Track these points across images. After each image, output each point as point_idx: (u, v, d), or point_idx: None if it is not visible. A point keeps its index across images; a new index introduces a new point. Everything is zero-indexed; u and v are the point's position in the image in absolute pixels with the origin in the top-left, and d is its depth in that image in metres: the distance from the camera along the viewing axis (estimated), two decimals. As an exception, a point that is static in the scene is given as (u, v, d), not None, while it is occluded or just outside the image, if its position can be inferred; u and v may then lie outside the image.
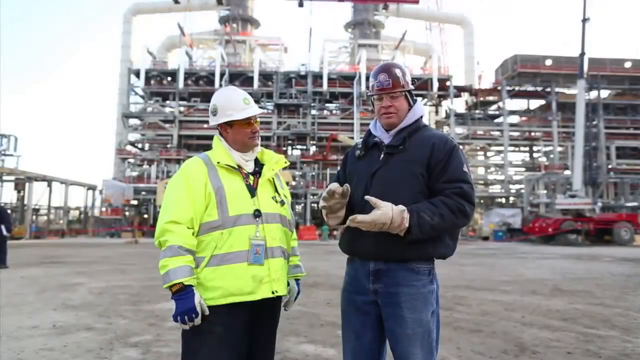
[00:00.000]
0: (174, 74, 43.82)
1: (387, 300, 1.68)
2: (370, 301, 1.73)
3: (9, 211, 14.87)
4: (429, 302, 1.69)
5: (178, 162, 39.86)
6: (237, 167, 1.84)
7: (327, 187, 1.81)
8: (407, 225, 1.58)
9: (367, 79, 39.72)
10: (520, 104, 54.66)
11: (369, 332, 1.74)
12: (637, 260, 13.67)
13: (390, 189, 1.70)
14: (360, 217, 1.60)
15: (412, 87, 1.85)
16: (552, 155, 44.47)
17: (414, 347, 1.63)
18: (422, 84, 43.53)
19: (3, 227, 10.30)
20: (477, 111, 46.34)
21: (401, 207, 1.59)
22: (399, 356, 1.66)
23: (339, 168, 2.06)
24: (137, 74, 43.60)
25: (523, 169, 47.91)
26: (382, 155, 1.78)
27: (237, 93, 1.92)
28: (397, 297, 1.66)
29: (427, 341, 1.65)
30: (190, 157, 2.01)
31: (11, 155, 32.86)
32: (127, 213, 37.45)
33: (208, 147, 1.94)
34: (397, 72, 1.80)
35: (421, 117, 1.86)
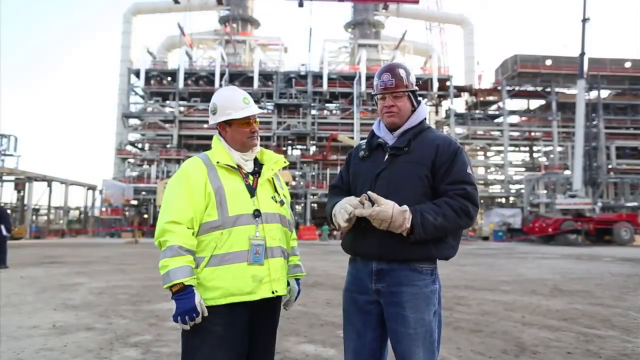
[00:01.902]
0: (174, 74, 43.83)
1: (389, 299, 1.69)
2: (372, 301, 1.74)
3: (8, 211, 14.86)
4: (431, 302, 1.69)
5: (178, 162, 39.87)
6: (236, 166, 1.84)
7: (329, 187, 1.81)
8: (408, 225, 1.59)
9: (368, 79, 40.10)
10: (520, 104, 54.68)
11: (370, 331, 1.74)
12: (637, 260, 13.66)
13: (395, 191, 1.70)
14: (358, 211, 1.62)
15: (415, 87, 1.85)
16: (552, 155, 44.49)
17: (416, 346, 1.64)
18: (422, 84, 43.53)
19: (3, 227, 10.28)
20: (477, 111, 46.36)
21: (404, 206, 1.60)
22: (401, 356, 1.66)
23: (340, 168, 2.06)
24: (137, 74, 43.61)
25: (523, 169, 47.94)
26: (386, 157, 1.78)
27: (237, 93, 1.92)
28: (399, 297, 1.67)
29: (429, 341, 1.66)
30: (190, 157, 2.01)
31: (11, 155, 32.89)
32: (127, 213, 37.43)
33: (208, 147, 1.94)
34: (401, 72, 1.81)
35: (425, 118, 1.87)
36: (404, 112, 1.81)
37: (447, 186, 1.69)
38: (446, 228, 1.64)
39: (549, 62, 44.61)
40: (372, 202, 1.63)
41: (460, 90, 46.30)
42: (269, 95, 43.48)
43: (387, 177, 1.74)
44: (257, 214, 1.78)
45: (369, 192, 1.64)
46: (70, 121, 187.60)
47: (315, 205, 39.49)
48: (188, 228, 1.71)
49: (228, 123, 1.88)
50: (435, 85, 43.20)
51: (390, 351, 1.77)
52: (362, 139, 1.99)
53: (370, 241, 1.71)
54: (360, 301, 1.76)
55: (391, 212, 1.57)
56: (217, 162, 1.81)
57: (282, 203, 1.92)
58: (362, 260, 1.78)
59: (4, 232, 10.29)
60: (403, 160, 1.74)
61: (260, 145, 2.01)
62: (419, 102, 1.87)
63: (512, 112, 47.04)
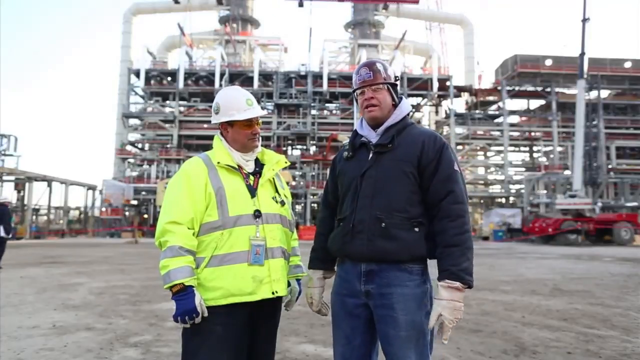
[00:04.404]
0: (174, 74, 43.79)
1: (379, 301, 1.65)
2: (361, 304, 1.70)
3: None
4: (423, 303, 1.66)
5: (178, 162, 39.85)
6: (237, 167, 1.84)
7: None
8: (464, 288, 1.60)
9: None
10: (520, 104, 54.77)
11: (359, 335, 1.71)
12: (637, 260, 13.66)
13: (381, 189, 1.68)
14: (444, 337, 1.58)
15: (395, 82, 1.83)
16: (552, 155, 44.45)
17: (408, 349, 1.60)
18: (422, 84, 43.53)
19: (2, 229, 10.16)
20: (477, 111, 46.31)
21: (444, 289, 1.58)
22: (392, 359, 1.63)
23: (327, 177, 2.03)
24: (137, 74, 43.58)
25: (523, 169, 47.90)
26: (371, 155, 1.75)
27: (241, 93, 1.91)
28: (389, 298, 1.63)
29: (422, 343, 1.62)
30: (190, 157, 2.01)
31: (11, 155, 32.80)
32: (127, 213, 37.43)
33: (208, 147, 1.94)
34: (378, 66, 1.80)
35: (408, 114, 1.84)
36: (385, 105, 1.78)
37: (436, 186, 1.67)
38: (471, 248, 1.64)
39: (549, 62, 44.63)
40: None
41: (460, 90, 46.27)
42: (269, 95, 43.45)
43: (373, 176, 1.71)
44: (257, 214, 1.78)
45: (430, 326, 1.60)
46: (70, 121, 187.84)
47: (315, 205, 39.46)
48: (188, 228, 1.71)
49: (230, 124, 1.88)
50: (435, 85, 43.16)
51: (381, 354, 1.75)
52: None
53: (359, 242, 1.68)
54: (350, 305, 1.73)
55: (454, 305, 1.58)
56: (218, 163, 1.80)
57: (282, 203, 1.92)
58: (350, 261, 1.75)
59: (2, 233, 10.14)
60: (388, 158, 1.71)
61: (261, 145, 2.00)
62: (400, 98, 1.85)
63: (512, 112, 46.96)
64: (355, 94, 1.85)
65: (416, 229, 1.66)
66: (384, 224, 1.65)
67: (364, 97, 1.79)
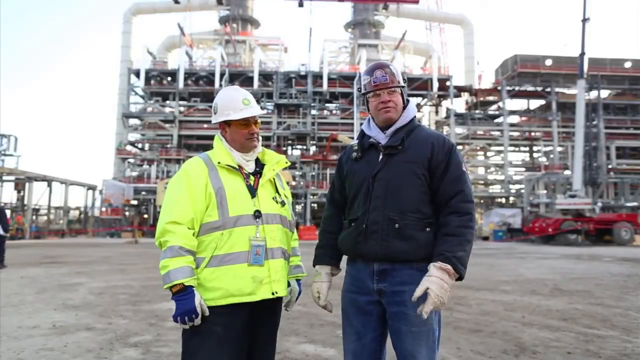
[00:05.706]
0: (174, 74, 43.76)
1: (392, 299, 1.70)
2: (373, 301, 1.74)
3: (7, 211, 14.78)
4: None
5: (178, 162, 39.84)
6: (237, 167, 1.84)
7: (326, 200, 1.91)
8: (454, 277, 1.61)
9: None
10: (520, 104, 54.70)
11: (370, 332, 1.75)
12: (637, 260, 13.65)
13: (393, 190, 1.71)
14: (425, 309, 1.55)
15: (404, 85, 1.88)
16: (552, 155, 44.46)
17: (419, 345, 1.65)
18: (422, 84, 43.51)
19: (0, 227, 10.20)
20: (477, 111, 46.30)
21: (435, 269, 1.59)
22: (403, 354, 1.67)
23: (334, 176, 2.04)
24: (137, 74, 43.56)
25: (523, 169, 47.88)
26: (380, 157, 1.77)
27: (239, 93, 1.91)
28: (402, 296, 1.67)
29: (431, 339, 1.68)
30: (190, 157, 2.00)
31: (11, 155, 32.84)
32: (127, 213, 37.42)
33: (208, 147, 1.94)
34: (392, 69, 1.84)
35: (415, 115, 1.88)
36: (400, 107, 1.83)
37: (445, 187, 1.72)
38: (471, 243, 1.69)
39: (549, 62, 44.61)
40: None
41: (460, 90, 46.25)
42: (269, 95, 43.43)
43: (385, 178, 1.73)
44: (257, 214, 1.78)
45: (414, 298, 1.59)
46: (70, 121, 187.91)
47: (315, 205, 39.47)
48: (189, 228, 1.71)
49: (227, 123, 1.88)
50: (435, 85, 43.14)
51: (390, 351, 1.77)
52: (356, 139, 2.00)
53: (373, 243, 1.71)
54: (361, 302, 1.76)
55: (442, 284, 1.56)
56: (219, 163, 1.80)
57: (282, 204, 1.91)
58: (363, 261, 1.78)
59: (1, 231, 10.18)
60: (399, 160, 1.74)
61: (261, 145, 2.00)
62: (408, 100, 1.89)
63: (512, 112, 46.96)
64: (367, 95, 1.86)
65: (428, 229, 1.71)
66: (397, 225, 1.69)
67: (380, 100, 1.81)
